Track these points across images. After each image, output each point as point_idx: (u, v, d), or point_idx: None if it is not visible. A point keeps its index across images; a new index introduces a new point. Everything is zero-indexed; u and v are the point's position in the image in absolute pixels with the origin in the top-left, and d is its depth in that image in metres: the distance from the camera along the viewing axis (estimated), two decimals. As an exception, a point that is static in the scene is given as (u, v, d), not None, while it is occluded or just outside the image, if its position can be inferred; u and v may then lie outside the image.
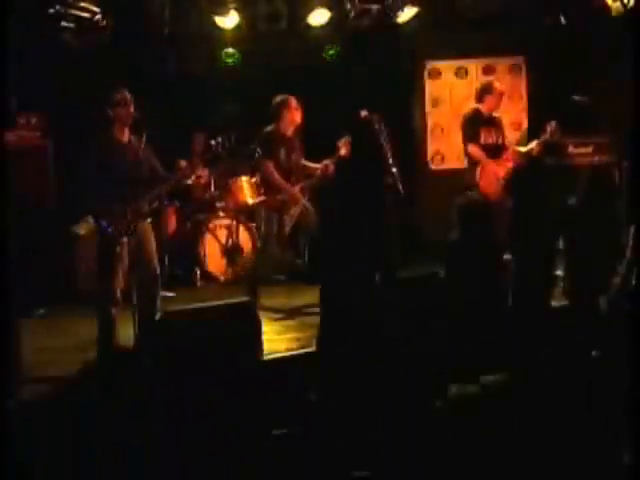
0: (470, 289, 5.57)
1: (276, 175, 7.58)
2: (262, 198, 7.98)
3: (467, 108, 8.34)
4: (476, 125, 8.02)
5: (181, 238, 8.68)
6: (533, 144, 7.99)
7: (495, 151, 8.04)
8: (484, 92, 8.10)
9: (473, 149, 7.98)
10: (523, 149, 8.09)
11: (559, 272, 6.80)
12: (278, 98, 7.63)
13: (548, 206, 6.26)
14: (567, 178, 7.94)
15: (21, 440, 3.45)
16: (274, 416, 4.55)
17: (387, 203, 7.61)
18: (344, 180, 8.69)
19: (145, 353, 5.71)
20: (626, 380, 3.60)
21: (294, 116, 7.60)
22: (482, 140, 8.02)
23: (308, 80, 8.82)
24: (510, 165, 7.95)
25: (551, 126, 7.78)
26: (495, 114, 8.17)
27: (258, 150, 7.67)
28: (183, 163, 7.10)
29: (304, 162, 7.80)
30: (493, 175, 7.89)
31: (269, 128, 7.66)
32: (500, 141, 8.13)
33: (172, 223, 8.75)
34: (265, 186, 7.79)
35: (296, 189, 7.61)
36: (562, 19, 8.41)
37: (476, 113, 8.11)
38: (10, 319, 5.39)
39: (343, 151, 7.64)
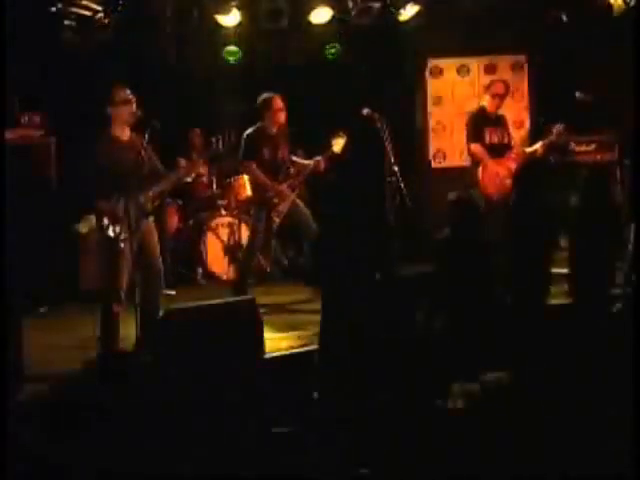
0: (458, 287, 5.56)
1: (259, 174, 7.60)
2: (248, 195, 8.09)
3: (472, 106, 8.28)
4: (481, 124, 7.94)
5: (183, 236, 8.68)
6: (538, 145, 7.95)
7: (500, 150, 7.97)
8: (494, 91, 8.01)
9: (476, 148, 7.92)
10: (528, 149, 8.05)
11: (557, 270, 6.79)
12: (262, 98, 7.61)
13: (549, 204, 6.25)
14: (569, 176, 7.92)
15: (21, 440, 3.46)
16: (275, 414, 4.56)
17: (388, 202, 7.61)
18: (345, 180, 8.70)
19: (147, 351, 5.73)
20: (629, 377, 3.61)
21: (278, 116, 7.58)
22: (487, 140, 7.94)
23: (309, 79, 8.82)
24: (513, 165, 7.87)
25: (557, 128, 7.74)
26: (499, 112, 8.12)
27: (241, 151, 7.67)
28: (183, 162, 7.10)
29: (295, 158, 7.80)
30: (495, 174, 7.84)
31: (253, 128, 7.68)
32: (506, 140, 8.07)
33: (174, 221, 8.75)
34: (253, 185, 7.84)
35: (284, 186, 7.62)
36: (563, 17, 8.39)
37: (482, 112, 8.03)
38: (10, 318, 5.40)
39: (336, 148, 7.62)
